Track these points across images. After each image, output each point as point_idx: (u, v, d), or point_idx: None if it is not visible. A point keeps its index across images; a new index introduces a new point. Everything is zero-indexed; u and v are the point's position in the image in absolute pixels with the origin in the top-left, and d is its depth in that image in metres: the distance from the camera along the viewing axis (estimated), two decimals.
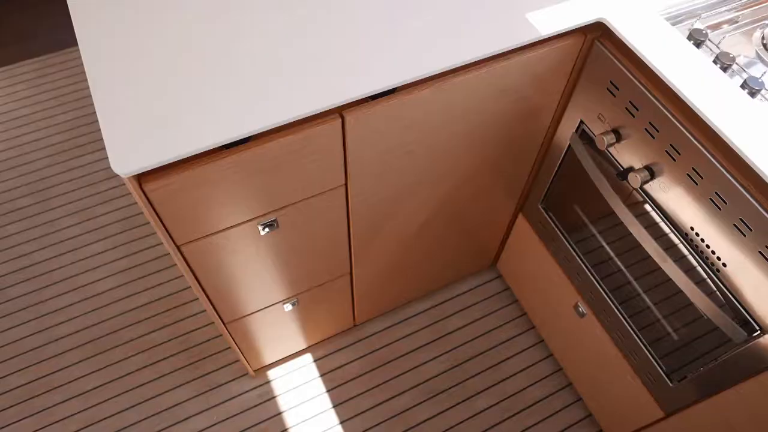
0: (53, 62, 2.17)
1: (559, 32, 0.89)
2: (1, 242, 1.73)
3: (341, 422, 1.45)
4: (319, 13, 0.89)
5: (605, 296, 1.14)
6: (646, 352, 1.07)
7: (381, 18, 0.89)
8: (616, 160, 0.98)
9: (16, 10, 2.33)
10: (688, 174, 0.84)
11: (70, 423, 1.44)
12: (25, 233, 1.75)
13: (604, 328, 1.19)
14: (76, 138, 1.96)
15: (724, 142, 0.79)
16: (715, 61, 0.88)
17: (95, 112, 2.01)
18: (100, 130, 1.98)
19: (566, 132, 1.09)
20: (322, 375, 1.51)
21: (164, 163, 0.73)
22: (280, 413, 1.46)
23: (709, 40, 0.92)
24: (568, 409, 1.47)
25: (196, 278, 0.98)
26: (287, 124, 0.79)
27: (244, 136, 0.76)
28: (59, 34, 2.25)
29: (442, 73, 0.87)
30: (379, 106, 0.85)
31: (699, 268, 0.89)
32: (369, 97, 0.84)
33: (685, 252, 0.90)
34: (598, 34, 0.95)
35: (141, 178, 0.75)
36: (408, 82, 0.83)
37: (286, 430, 1.43)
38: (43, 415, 1.45)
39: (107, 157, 1.91)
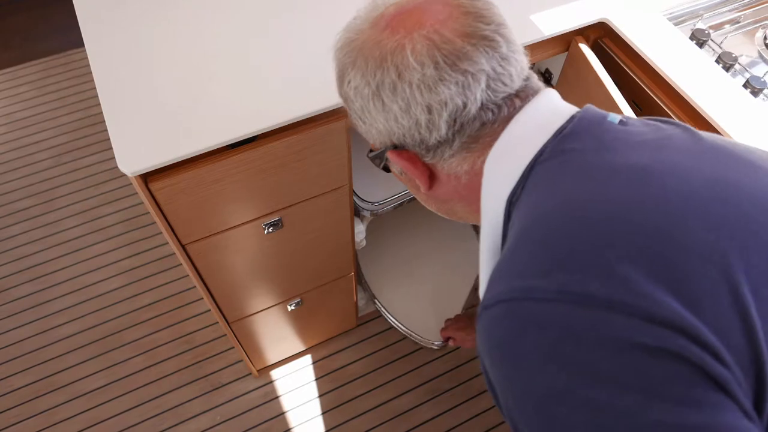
0: (57, 64, 2.18)
1: (562, 32, 0.89)
2: (5, 243, 1.73)
3: (344, 422, 1.45)
4: (324, 12, 0.90)
5: None
6: None
7: None
8: None
9: (19, 12, 2.34)
10: None
11: (74, 423, 1.44)
12: (28, 234, 1.75)
13: None
14: (79, 139, 1.97)
15: None
16: (717, 61, 0.89)
17: (99, 113, 2.02)
18: (103, 131, 1.99)
19: None
20: (325, 375, 1.52)
21: (170, 163, 0.73)
22: (283, 413, 1.46)
23: (711, 40, 0.92)
24: None
25: (201, 278, 0.98)
26: (292, 123, 0.79)
27: (250, 136, 0.76)
28: (63, 36, 2.26)
29: None
30: None
31: None
32: None
33: None
34: (600, 34, 0.95)
35: (147, 177, 0.75)
36: None
37: (289, 429, 1.44)
38: (46, 415, 1.45)
39: (111, 158, 1.92)
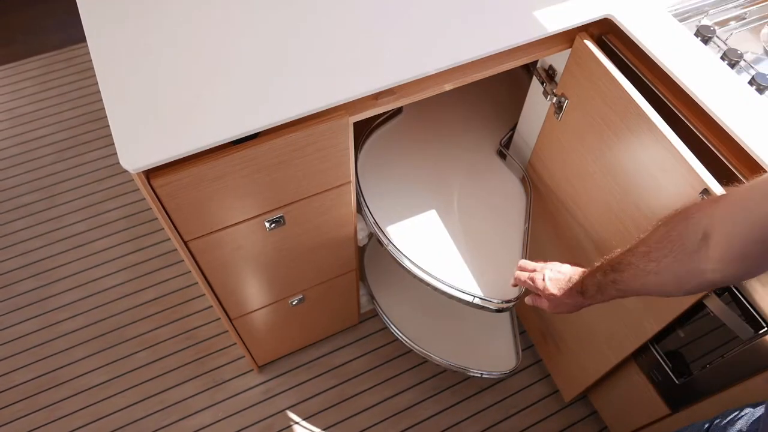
0: (59, 59, 2.18)
1: (566, 29, 0.89)
2: (8, 238, 1.74)
3: (346, 418, 1.45)
4: (327, 10, 0.89)
5: None
6: (652, 349, 1.07)
7: (387, 16, 0.89)
8: None
9: (21, 8, 2.34)
10: None
11: (77, 418, 1.45)
12: (31, 229, 1.76)
13: None
14: (82, 135, 1.97)
15: (732, 138, 0.79)
16: (722, 58, 0.88)
17: (101, 109, 2.02)
18: (106, 126, 1.99)
19: None
20: (327, 371, 1.52)
21: (173, 159, 0.73)
22: (285, 409, 1.46)
23: (716, 36, 0.91)
24: (572, 406, 1.47)
25: (203, 274, 0.98)
26: (295, 120, 0.79)
27: (252, 132, 0.76)
28: (65, 31, 2.26)
29: (448, 70, 0.87)
30: (382, 104, 0.85)
31: None
32: (374, 95, 0.84)
33: None
34: (605, 30, 0.94)
35: (149, 173, 0.75)
36: (412, 80, 0.83)
37: (291, 425, 1.44)
38: (49, 410, 1.46)
39: (113, 154, 1.92)
